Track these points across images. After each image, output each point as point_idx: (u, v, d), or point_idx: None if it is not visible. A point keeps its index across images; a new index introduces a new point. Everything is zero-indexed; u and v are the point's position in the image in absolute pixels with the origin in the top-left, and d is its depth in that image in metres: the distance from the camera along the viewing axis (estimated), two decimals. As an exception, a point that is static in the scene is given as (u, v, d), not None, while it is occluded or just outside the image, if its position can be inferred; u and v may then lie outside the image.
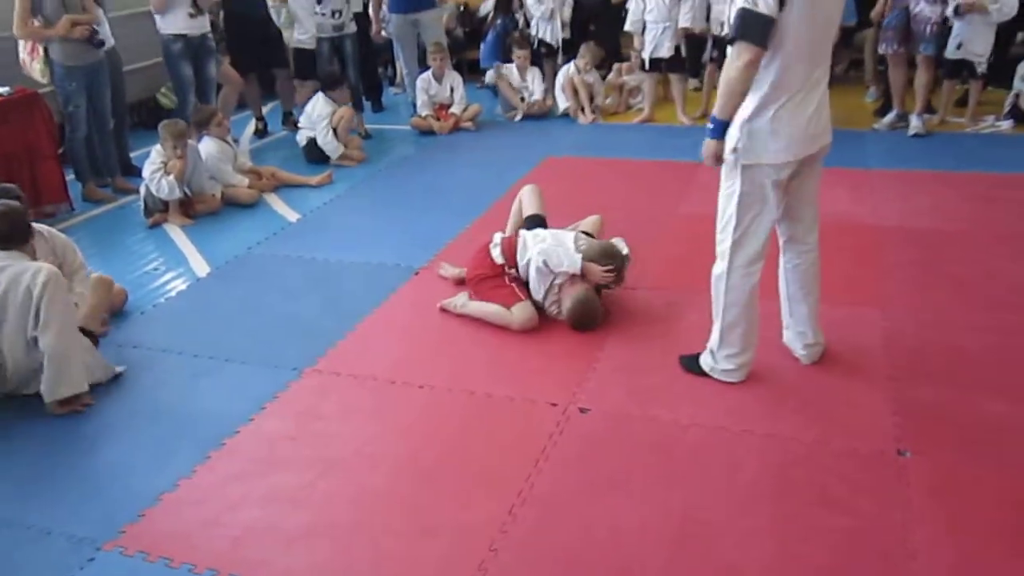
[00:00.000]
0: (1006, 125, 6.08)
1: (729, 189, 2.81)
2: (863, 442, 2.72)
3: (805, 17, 2.53)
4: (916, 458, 2.63)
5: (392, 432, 2.93)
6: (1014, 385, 2.98)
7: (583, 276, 3.50)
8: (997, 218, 4.48)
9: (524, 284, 3.63)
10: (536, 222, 3.87)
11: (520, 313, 3.53)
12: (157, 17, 5.66)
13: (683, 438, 2.80)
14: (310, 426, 2.97)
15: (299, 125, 6.23)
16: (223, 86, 6.44)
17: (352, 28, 6.78)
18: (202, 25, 5.76)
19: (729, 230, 2.83)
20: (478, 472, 2.69)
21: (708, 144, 2.73)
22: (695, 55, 6.77)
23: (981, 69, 5.88)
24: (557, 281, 3.52)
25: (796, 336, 3.14)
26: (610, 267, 3.49)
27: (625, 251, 3.64)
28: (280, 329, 3.68)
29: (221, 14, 6.60)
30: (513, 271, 3.64)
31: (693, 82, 7.09)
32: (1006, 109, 6.15)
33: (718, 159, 2.75)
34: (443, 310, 3.73)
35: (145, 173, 4.98)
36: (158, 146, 4.98)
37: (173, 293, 4.11)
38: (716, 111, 2.66)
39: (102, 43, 5.28)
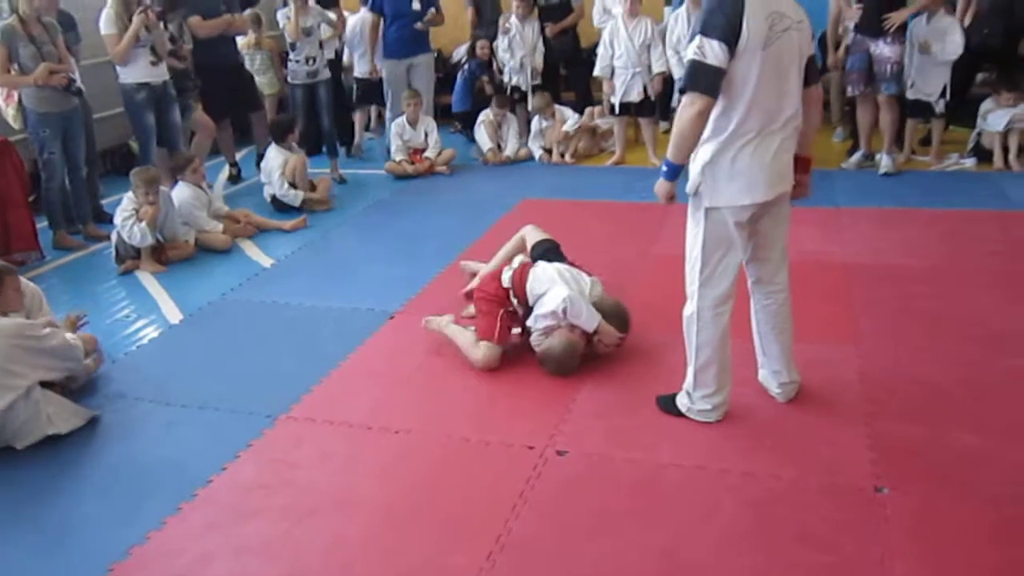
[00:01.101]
0: (970, 163, 6.22)
1: (694, 231, 2.85)
2: (841, 479, 2.72)
3: (759, 65, 2.61)
4: (893, 494, 2.63)
5: (368, 479, 2.89)
6: (987, 418, 3.00)
7: (591, 334, 3.46)
8: (966, 254, 4.56)
9: (517, 316, 3.59)
10: (548, 247, 3.84)
11: (483, 352, 3.52)
12: (118, 66, 5.66)
13: (662, 479, 2.78)
14: (284, 474, 2.92)
15: (261, 180, 6.18)
16: (196, 132, 6.44)
17: (326, 74, 6.82)
18: (162, 72, 5.74)
19: (696, 271, 2.86)
20: (455, 518, 2.65)
21: (661, 184, 2.82)
22: (664, 98, 6.88)
23: (939, 109, 6.03)
24: (560, 325, 3.44)
25: (771, 375, 3.15)
26: (623, 336, 3.48)
27: (599, 290, 3.65)
28: (254, 376, 3.64)
29: (193, 62, 6.62)
30: (515, 301, 3.60)
31: (663, 124, 7.19)
32: (969, 147, 6.29)
33: (670, 198, 2.83)
34: (426, 325, 3.75)
35: (117, 220, 4.94)
36: (130, 193, 4.95)
37: (145, 340, 4.06)
38: (669, 154, 2.74)
39: (80, 91, 5.28)
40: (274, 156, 6.00)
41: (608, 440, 3.01)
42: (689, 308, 2.93)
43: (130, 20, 5.44)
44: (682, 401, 3.08)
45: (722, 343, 2.92)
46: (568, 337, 3.42)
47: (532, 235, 4.04)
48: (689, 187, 2.80)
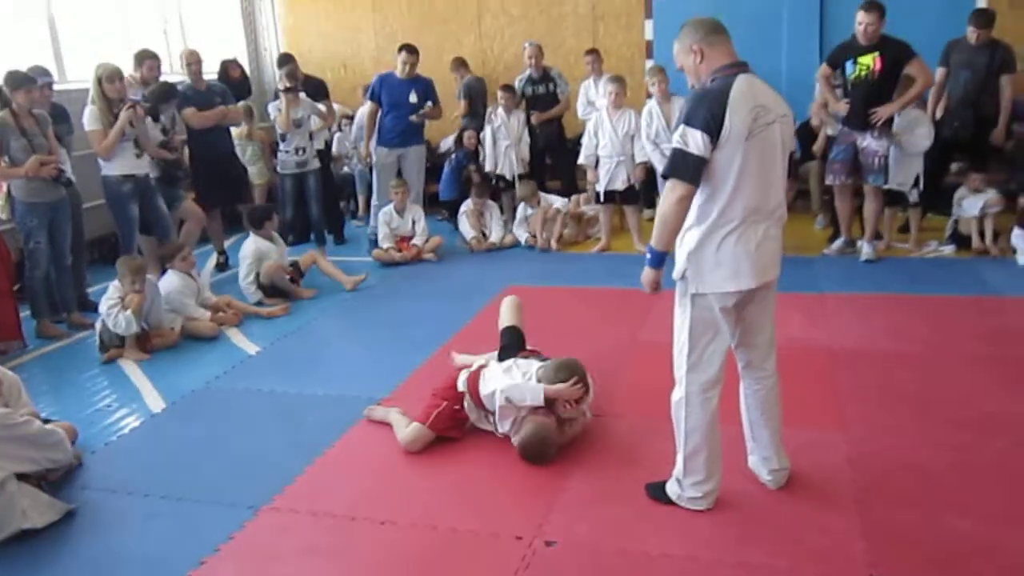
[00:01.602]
0: (948, 249, 6.33)
1: (681, 316, 2.87)
2: (834, 568, 2.68)
3: (743, 156, 2.67)
4: (889, 584, 2.59)
5: (352, 573, 2.81)
6: (978, 503, 2.97)
7: (550, 404, 3.45)
8: (950, 338, 4.59)
9: (461, 415, 3.62)
10: (512, 335, 3.89)
11: (410, 431, 3.58)
12: (101, 160, 5.72)
13: (653, 570, 2.73)
14: (265, 569, 2.84)
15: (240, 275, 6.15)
16: (185, 221, 6.49)
17: (315, 164, 6.95)
18: (145, 165, 5.82)
19: (684, 355, 2.87)
20: (442, 613, 2.58)
21: (646, 273, 2.86)
22: (649, 185, 7.01)
23: (912, 198, 6.19)
24: (522, 414, 3.47)
25: (761, 461, 3.13)
26: (575, 379, 3.46)
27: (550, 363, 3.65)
28: (236, 465, 3.57)
29: (187, 151, 6.73)
30: (469, 403, 3.61)
31: (648, 212, 7.30)
32: (947, 234, 6.41)
33: (655, 287, 2.86)
34: (369, 414, 3.89)
35: (102, 308, 4.93)
36: (115, 282, 4.95)
37: (126, 430, 3.99)
38: (653, 241, 2.80)
39: (70, 181, 5.33)
40: (246, 245, 5.98)
41: (597, 530, 2.96)
42: (677, 393, 2.92)
43: (114, 117, 5.54)
44: (672, 489, 3.04)
45: (711, 429, 2.90)
46: (534, 420, 3.42)
47: (504, 316, 4.08)
48: (676, 272, 2.84)
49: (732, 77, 2.70)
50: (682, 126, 2.68)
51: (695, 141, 2.64)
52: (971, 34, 6.23)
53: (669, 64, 3.26)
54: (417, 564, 2.84)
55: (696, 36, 2.76)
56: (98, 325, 4.99)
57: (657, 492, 3.09)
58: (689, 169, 2.66)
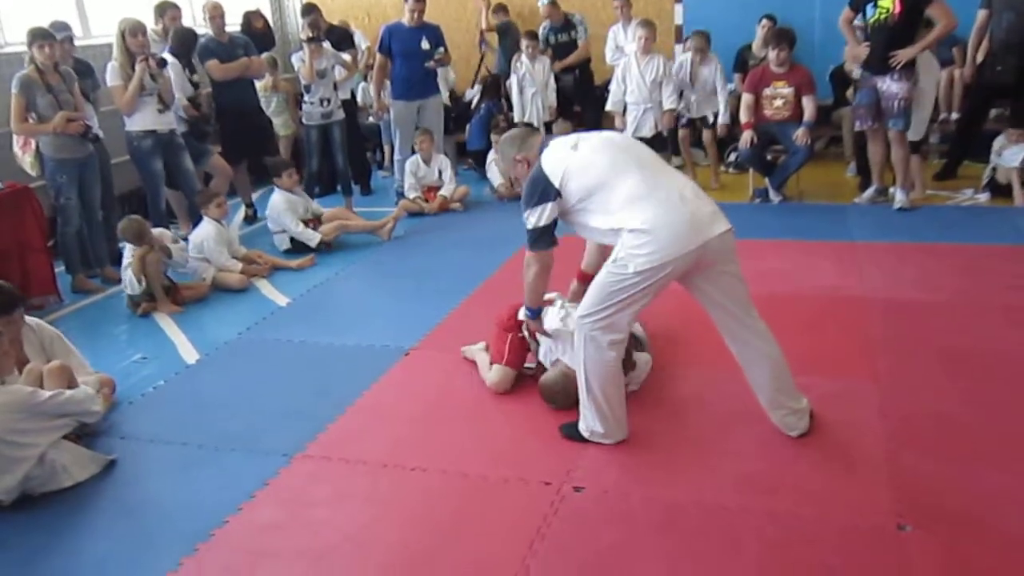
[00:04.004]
0: (984, 197, 6.20)
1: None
2: (863, 517, 2.68)
3: (586, 166, 2.95)
4: (916, 532, 2.59)
5: (384, 518, 2.87)
6: (1009, 456, 2.95)
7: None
8: (982, 289, 4.52)
9: (526, 343, 3.66)
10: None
11: (494, 375, 3.65)
12: (124, 115, 5.74)
13: (681, 517, 2.75)
14: (300, 514, 2.91)
15: (271, 228, 6.13)
16: (213, 176, 6.52)
17: (340, 115, 6.91)
18: (170, 120, 5.83)
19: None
20: (472, 557, 2.63)
21: (528, 323, 3.46)
22: (674, 133, 6.93)
23: (929, 140, 6.03)
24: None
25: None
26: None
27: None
28: (270, 415, 3.63)
29: (214, 106, 6.73)
30: (526, 333, 3.66)
31: (676, 160, 7.22)
32: (984, 182, 6.28)
33: (541, 333, 3.48)
34: (463, 354, 3.98)
35: (122, 270, 5.02)
36: (129, 245, 5.02)
37: (161, 382, 4.07)
38: (527, 302, 3.31)
39: (97, 137, 5.36)
40: (279, 200, 5.96)
41: (625, 475, 2.99)
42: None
43: (134, 71, 5.54)
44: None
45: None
46: (563, 369, 3.45)
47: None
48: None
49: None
50: (527, 210, 3.03)
51: (546, 214, 2.98)
52: (1015, -28, 6.03)
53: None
54: (448, 509, 2.89)
55: (514, 148, 3.22)
56: (124, 283, 5.07)
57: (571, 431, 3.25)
58: (546, 240, 3.06)
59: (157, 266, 4.98)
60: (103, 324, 4.93)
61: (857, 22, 5.97)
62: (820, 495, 2.81)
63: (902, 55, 5.63)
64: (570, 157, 2.98)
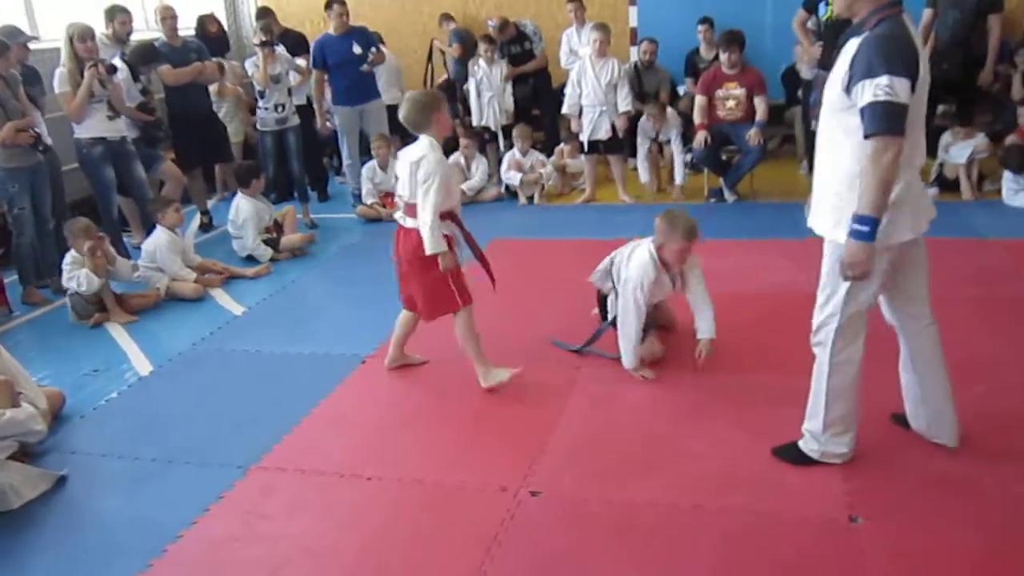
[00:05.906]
0: (932, 192, 6.32)
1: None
2: (815, 511, 2.72)
3: (917, 99, 2.51)
4: (868, 524, 2.64)
5: (341, 528, 2.85)
6: (964, 444, 2.99)
7: None
8: (939, 280, 4.56)
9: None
10: None
11: (464, 321, 3.68)
12: (74, 123, 5.64)
13: (635, 517, 2.77)
14: (255, 526, 2.88)
15: (231, 233, 6.09)
16: (165, 183, 6.43)
17: (295, 121, 6.85)
18: (119, 127, 5.74)
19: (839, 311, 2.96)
20: (429, 565, 2.62)
21: (859, 249, 2.56)
22: (632, 135, 6.97)
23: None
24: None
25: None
26: None
27: None
28: (224, 426, 3.59)
29: (166, 111, 6.63)
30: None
31: (632, 161, 7.27)
32: (932, 177, 6.40)
33: (866, 268, 2.63)
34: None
35: (64, 279, 4.90)
36: (72, 251, 4.92)
37: (114, 394, 4.00)
38: (868, 210, 2.49)
39: (47, 147, 5.25)
40: (242, 206, 5.91)
41: (581, 479, 3.00)
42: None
43: (82, 77, 5.45)
44: (809, 446, 2.98)
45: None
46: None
47: None
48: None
49: (899, 16, 2.52)
50: (886, 76, 2.40)
51: (904, 89, 2.42)
52: (958, -29, 6.15)
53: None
54: (405, 518, 2.88)
55: None
56: (67, 298, 4.97)
57: (789, 453, 3.01)
58: (900, 120, 2.43)
59: (107, 260, 4.91)
60: (54, 336, 4.84)
61: (810, 24, 6.06)
62: (773, 490, 2.85)
63: None
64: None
